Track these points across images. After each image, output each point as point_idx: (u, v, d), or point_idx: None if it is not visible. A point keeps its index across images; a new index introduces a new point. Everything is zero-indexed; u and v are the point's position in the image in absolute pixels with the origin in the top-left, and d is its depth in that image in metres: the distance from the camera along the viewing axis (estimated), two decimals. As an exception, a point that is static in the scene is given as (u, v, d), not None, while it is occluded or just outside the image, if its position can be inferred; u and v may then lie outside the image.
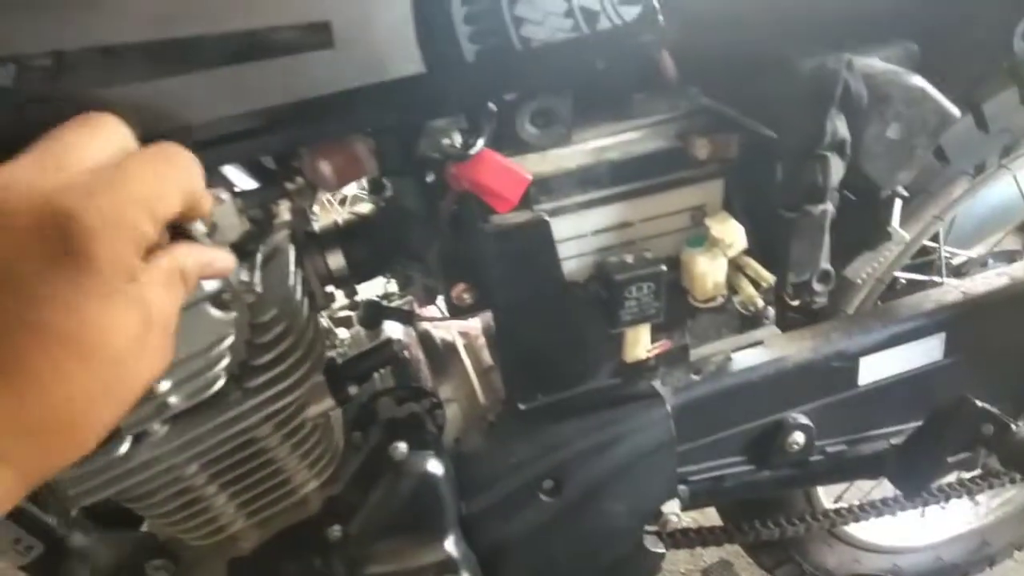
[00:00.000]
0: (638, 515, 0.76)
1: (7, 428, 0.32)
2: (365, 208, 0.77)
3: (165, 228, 0.37)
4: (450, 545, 0.70)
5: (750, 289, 0.64)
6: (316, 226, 0.72)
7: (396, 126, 0.57)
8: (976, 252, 1.14)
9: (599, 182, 0.63)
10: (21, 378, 0.31)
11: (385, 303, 0.88)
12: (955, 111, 0.62)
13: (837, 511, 0.92)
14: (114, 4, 0.40)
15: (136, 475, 0.61)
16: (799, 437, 0.81)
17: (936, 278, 1.04)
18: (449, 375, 0.86)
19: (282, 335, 0.62)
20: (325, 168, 0.55)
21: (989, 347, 0.89)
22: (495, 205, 0.58)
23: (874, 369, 0.84)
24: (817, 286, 0.66)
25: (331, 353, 0.80)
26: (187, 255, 0.38)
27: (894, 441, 0.88)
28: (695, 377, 0.76)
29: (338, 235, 0.72)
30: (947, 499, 0.95)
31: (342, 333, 0.94)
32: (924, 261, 1.08)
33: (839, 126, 0.61)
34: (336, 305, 0.97)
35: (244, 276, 0.58)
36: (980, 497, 1.17)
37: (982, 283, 0.90)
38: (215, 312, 0.56)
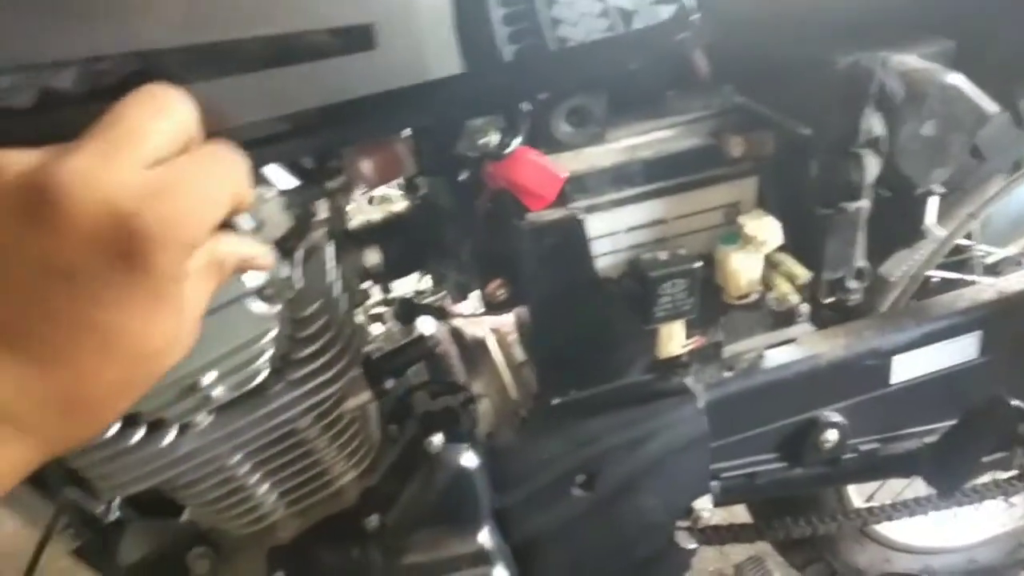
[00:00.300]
0: (670, 511, 0.77)
1: (37, 407, 0.34)
2: (400, 206, 0.78)
3: None
4: (484, 537, 0.71)
5: (784, 286, 0.64)
6: (352, 223, 0.73)
7: (434, 125, 0.58)
8: (1011, 251, 1.13)
9: (633, 180, 0.64)
10: (57, 364, 0.33)
11: (418, 299, 0.90)
12: (992, 108, 0.61)
13: (869, 509, 0.91)
14: (164, 10, 0.41)
15: (180, 465, 0.63)
16: (832, 435, 0.81)
17: (970, 276, 1.03)
18: (481, 370, 0.87)
19: (322, 329, 0.64)
20: (366, 167, 0.56)
21: (1025, 346, 0.88)
22: (531, 203, 0.59)
23: (908, 367, 0.84)
24: (852, 284, 0.66)
25: (366, 348, 0.82)
26: (228, 248, 0.39)
27: (927, 440, 0.87)
28: (728, 374, 0.76)
29: (374, 232, 0.73)
30: (981, 500, 0.94)
31: (375, 328, 0.96)
32: (958, 259, 1.07)
33: (874, 124, 0.61)
34: (369, 301, 0.98)
35: (285, 272, 0.59)
36: (1016, 498, 1.16)
37: (1018, 282, 0.89)
38: (258, 307, 0.57)
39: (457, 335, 0.91)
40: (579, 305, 0.66)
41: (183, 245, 0.34)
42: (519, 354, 0.86)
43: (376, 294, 0.79)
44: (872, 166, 0.62)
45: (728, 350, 0.72)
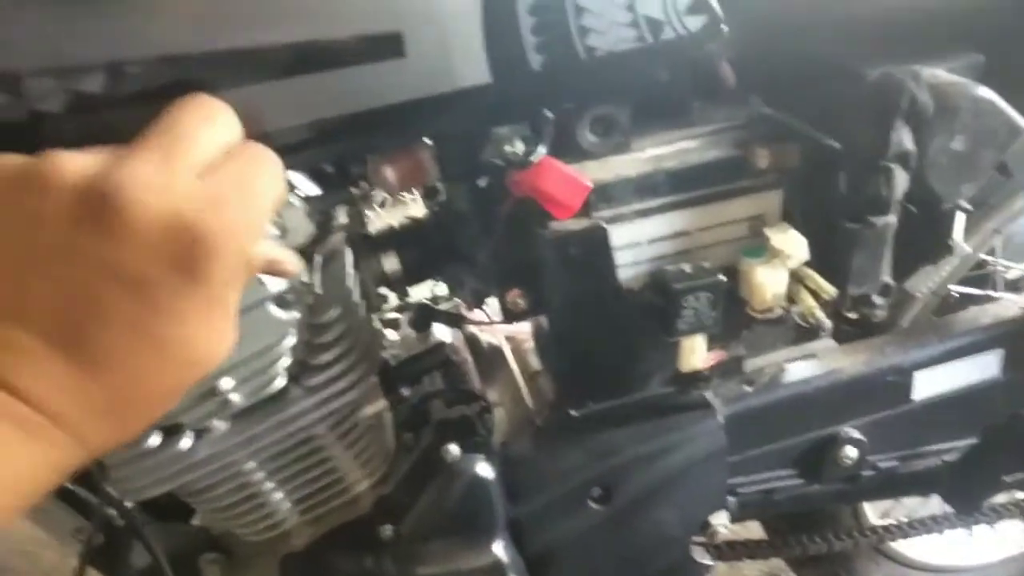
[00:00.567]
0: (686, 525, 0.76)
1: (85, 409, 0.34)
2: (415, 210, 0.78)
3: None
4: (499, 548, 0.70)
5: (810, 301, 0.63)
6: (370, 228, 0.73)
7: (459, 133, 0.57)
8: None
9: (657, 190, 0.63)
10: (111, 368, 0.34)
11: (434, 306, 0.89)
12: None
13: (886, 527, 0.90)
14: (195, 15, 0.41)
15: (197, 470, 0.62)
16: (851, 451, 0.80)
17: (991, 292, 1.02)
18: (496, 378, 0.87)
19: (340, 336, 0.63)
20: (390, 174, 0.56)
21: (1049, 365, 0.87)
22: (555, 212, 0.58)
23: (929, 384, 0.83)
24: (877, 299, 0.65)
25: (382, 355, 0.81)
26: (259, 251, 0.40)
27: (947, 458, 0.86)
28: (748, 388, 0.75)
29: (392, 238, 0.73)
30: (1000, 519, 0.93)
31: (390, 335, 0.95)
32: (978, 274, 1.06)
33: (904, 138, 0.60)
34: (384, 307, 0.98)
35: (305, 277, 0.59)
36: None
37: (1041, 299, 0.88)
38: (277, 312, 0.57)
39: (472, 342, 0.91)
40: (600, 316, 0.65)
41: (239, 252, 0.35)
42: (534, 362, 0.86)
43: (391, 299, 0.79)
44: (901, 180, 0.61)
45: (749, 364, 0.72)
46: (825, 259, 0.64)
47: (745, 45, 0.58)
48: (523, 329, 0.89)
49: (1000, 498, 0.90)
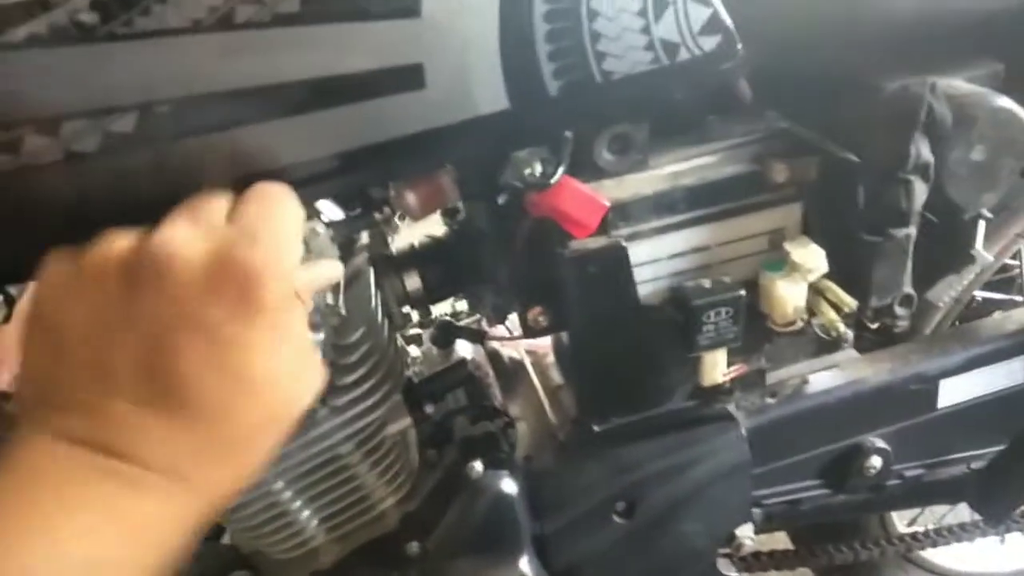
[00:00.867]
0: (711, 538, 0.76)
1: (191, 457, 0.36)
2: (435, 228, 0.79)
3: None
4: (524, 565, 0.71)
5: (831, 313, 0.63)
6: (391, 247, 0.74)
7: (479, 158, 0.58)
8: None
9: (676, 207, 0.64)
10: (201, 411, 0.36)
11: (456, 322, 0.90)
12: (1046, 131, 0.60)
13: (913, 535, 0.90)
14: (221, 55, 0.42)
15: (226, 490, 0.63)
16: (876, 461, 0.79)
17: (1016, 297, 1.01)
18: (517, 393, 0.87)
19: (366, 355, 0.64)
20: (412, 199, 0.57)
21: (1076, 370, 0.86)
22: (574, 231, 0.58)
23: (954, 392, 0.82)
24: (899, 310, 0.65)
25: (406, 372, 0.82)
26: (303, 278, 0.41)
27: (974, 465, 0.85)
28: (770, 400, 0.75)
29: (414, 257, 0.74)
30: (1029, 526, 0.92)
31: (413, 351, 0.96)
32: (1001, 278, 1.05)
33: (923, 149, 0.60)
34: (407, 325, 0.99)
35: (329, 299, 0.60)
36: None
37: (1068, 304, 0.87)
38: (304, 335, 0.58)
39: (494, 358, 0.92)
40: (621, 332, 0.66)
41: (283, 276, 0.37)
42: (556, 376, 0.86)
43: (414, 317, 0.80)
44: (920, 192, 0.61)
45: (771, 376, 0.71)
46: (845, 271, 0.64)
47: (760, 60, 0.58)
48: (544, 343, 0.90)
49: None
